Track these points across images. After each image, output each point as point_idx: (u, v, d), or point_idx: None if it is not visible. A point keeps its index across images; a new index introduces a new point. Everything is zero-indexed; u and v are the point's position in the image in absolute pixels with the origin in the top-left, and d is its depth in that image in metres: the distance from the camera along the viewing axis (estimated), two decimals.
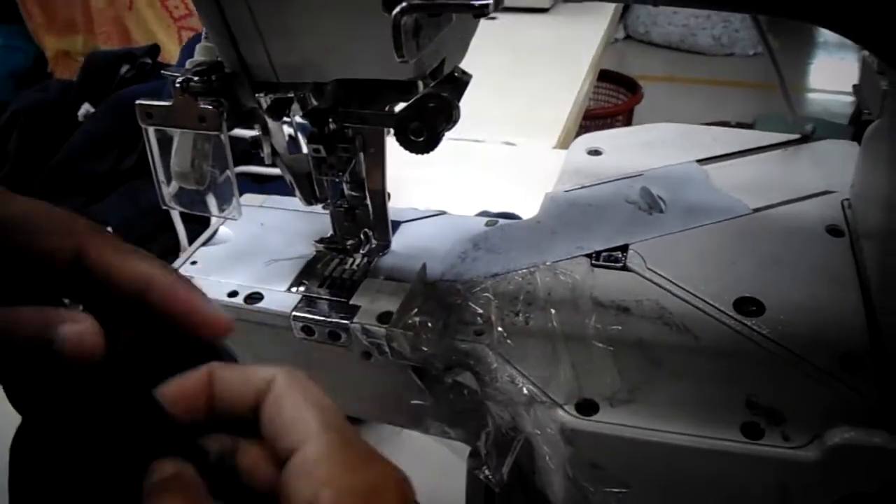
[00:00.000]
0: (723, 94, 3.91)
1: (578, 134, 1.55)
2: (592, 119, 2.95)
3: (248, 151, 0.82)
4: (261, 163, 1.07)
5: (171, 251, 1.01)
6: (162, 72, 0.56)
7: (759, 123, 2.46)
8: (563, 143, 1.38)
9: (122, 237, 0.96)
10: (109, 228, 0.94)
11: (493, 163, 1.24)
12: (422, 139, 0.46)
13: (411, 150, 0.47)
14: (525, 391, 0.50)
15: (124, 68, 1.18)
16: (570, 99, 1.52)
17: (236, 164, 0.56)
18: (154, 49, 1.23)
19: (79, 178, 1.01)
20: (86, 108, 1.10)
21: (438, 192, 1.08)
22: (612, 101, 3.24)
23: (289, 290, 0.61)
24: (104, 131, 1.05)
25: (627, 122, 3.08)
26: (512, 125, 1.36)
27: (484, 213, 0.81)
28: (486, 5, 0.36)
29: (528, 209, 0.76)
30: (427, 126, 0.46)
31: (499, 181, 1.16)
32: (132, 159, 1.04)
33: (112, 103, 1.07)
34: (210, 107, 0.53)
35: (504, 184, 1.15)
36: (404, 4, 0.37)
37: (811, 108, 3.60)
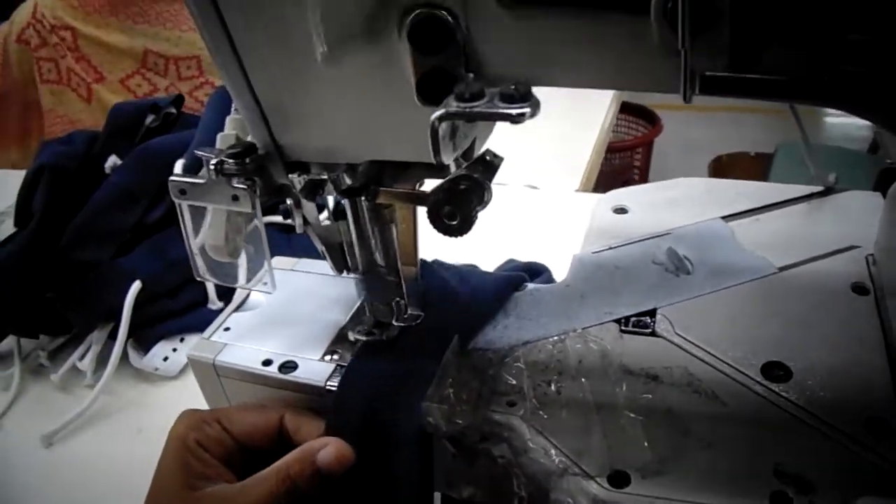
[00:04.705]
0: (740, 122, 3.90)
1: (601, 170, 1.55)
2: (613, 152, 2.94)
3: (276, 202, 0.83)
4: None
5: (199, 304, 1.02)
6: (195, 151, 0.57)
7: (780, 152, 2.45)
8: (586, 184, 1.38)
9: (151, 290, 0.95)
10: (138, 282, 0.95)
11: (516, 207, 1.24)
12: (455, 223, 0.47)
13: (445, 234, 0.48)
14: (558, 463, 0.51)
15: (149, 119, 1.19)
16: (593, 135, 1.52)
17: (264, 214, 0.57)
18: (179, 99, 1.24)
19: (106, 232, 1.01)
20: (113, 160, 1.10)
21: (463, 239, 1.08)
22: (631, 134, 3.24)
23: (322, 358, 0.62)
24: (130, 184, 1.04)
25: (647, 154, 3.07)
26: (534, 167, 1.36)
27: (510, 262, 0.81)
28: (523, 114, 0.37)
29: (553, 257, 0.78)
30: (460, 209, 0.47)
31: (523, 227, 1.16)
32: (160, 211, 1.04)
33: (138, 155, 1.07)
34: (243, 186, 0.54)
35: (529, 230, 1.15)
36: (442, 112, 0.38)
37: (830, 133, 3.58)
